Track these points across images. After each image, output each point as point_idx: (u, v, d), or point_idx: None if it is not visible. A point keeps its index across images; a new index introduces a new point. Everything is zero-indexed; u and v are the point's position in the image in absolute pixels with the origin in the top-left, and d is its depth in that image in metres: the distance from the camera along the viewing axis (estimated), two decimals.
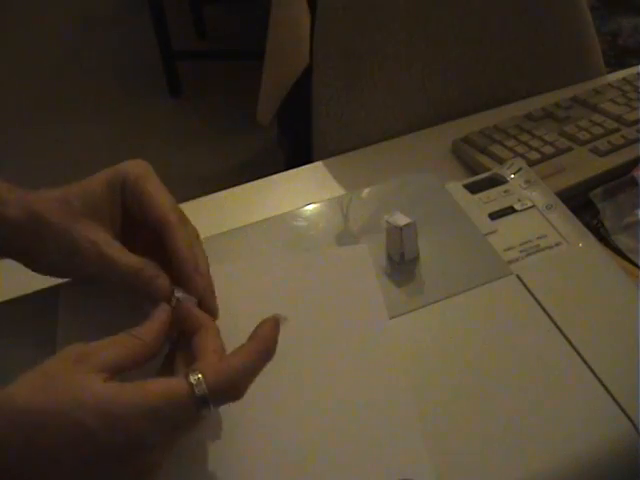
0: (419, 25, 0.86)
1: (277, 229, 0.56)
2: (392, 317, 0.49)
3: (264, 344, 0.39)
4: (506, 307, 0.50)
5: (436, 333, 0.48)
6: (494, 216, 0.56)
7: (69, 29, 2.76)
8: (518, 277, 0.51)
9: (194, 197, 0.72)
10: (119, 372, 0.38)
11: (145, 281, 0.44)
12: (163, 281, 0.44)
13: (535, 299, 0.49)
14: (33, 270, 0.48)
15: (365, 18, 0.83)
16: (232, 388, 0.37)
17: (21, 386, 0.36)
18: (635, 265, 0.60)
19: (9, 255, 0.48)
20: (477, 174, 0.63)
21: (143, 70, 2.47)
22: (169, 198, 0.46)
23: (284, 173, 0.79)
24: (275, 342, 0.39)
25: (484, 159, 0.75)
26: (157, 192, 0.46)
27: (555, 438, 0.42)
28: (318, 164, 0.80)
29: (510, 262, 0.52)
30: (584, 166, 0.73)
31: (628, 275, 0.53)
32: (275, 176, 0.77)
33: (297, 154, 1.07)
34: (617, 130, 0.77)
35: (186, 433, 0.38)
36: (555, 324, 0.48)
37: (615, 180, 0.68)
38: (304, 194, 0.73)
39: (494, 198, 0.58)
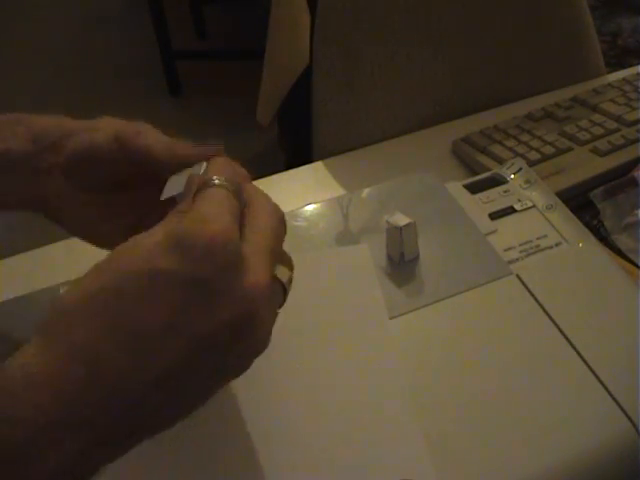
0: (419, 25, 0.86)
1: None
2: (392, 317, 0.49)
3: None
4: (506, 307, 0.50)
5: (436, 333, 0.48)
6: (494, 216, 0.56)
7: (69, 29, 2.76)
8: (518, 277, 0.51)
9: None
10: None
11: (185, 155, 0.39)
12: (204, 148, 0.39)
13: (535, 299, 0.49)
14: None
15: (365, 18, 0.83)
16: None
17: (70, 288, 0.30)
18: (635, 265, 0.60)
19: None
20: (477, 174, 0.63)
21: (143, 70, 2.47)
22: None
23: (284, 173, 0.79)
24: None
25: (484, 159, 0.75)
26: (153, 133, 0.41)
27: (555, 438, 0.42)
28: (318, 164, 0.80)
29: (510, 262, 0.52)
30: (584, 166, 0.73)
31: (628, 275, 0.53)
32: (275, 176, 0.77)
33: (297, 154, 1.07)
34: (617, 130, 0.77)
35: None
36: (555, 324, 0.48)
37: (615, 180, 0.68)
38: (304, 194, 0.73)
39: (494, 198, 0.58)
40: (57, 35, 2.72)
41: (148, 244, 0.30)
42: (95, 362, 0.28)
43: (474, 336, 0.48)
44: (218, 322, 0.29)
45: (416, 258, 0.52)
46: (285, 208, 0.58)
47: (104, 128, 0.41)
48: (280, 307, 0.35)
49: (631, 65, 0.95)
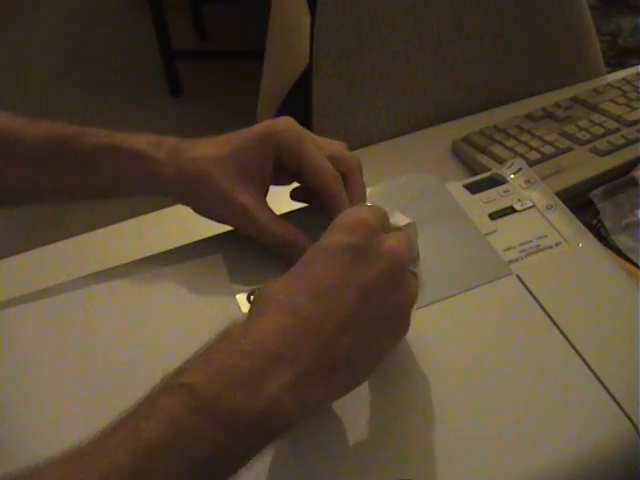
0: (419, 25, 0.86)
1: None
2: None
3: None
4: (506, 307, 0.50)
5: (436, 333, 0.48)
6: (494, 216, 0.56)
7: (69, 29, 2.77)
8: (518, 277, 0.51)
9: None
10: None
11: (293, 251, 0.48)
12: (304, 243, 0.49)
13: (535, 299, 0.49)
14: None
15: (365, 18, 0.84)
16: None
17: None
18: (635, 265, 0.60)
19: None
20: (477, 174, 0.63)
21: (143, 70, 2.47)
22: (326, 163, 0.50)
23: None
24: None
25: (484, 159, 0.75)
26: (316, 158, 0.50)
27: (555, 438, 0.42)
28: None
29: (510, 262, 0.52)
30: (584, 166, 0.73)
31: (628, 275, 0.53)
32: None
33: None
34: (617, 130, 0.77)
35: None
36: (555, 324, 0.48)
37: (615, 180, 0.68)
38: None
39: (494, 198, 0.58)
40: (57, 35, 2.72)
41: (324, 235, 0.40)
42: (297, 311, 0.36)
43: (474, 336, 0.48)
44: (375, 272, 0.38)
45: (416, 258, 0.53)
46: (285, 208, 0.58)
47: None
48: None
49: (631, 65, 0.95)
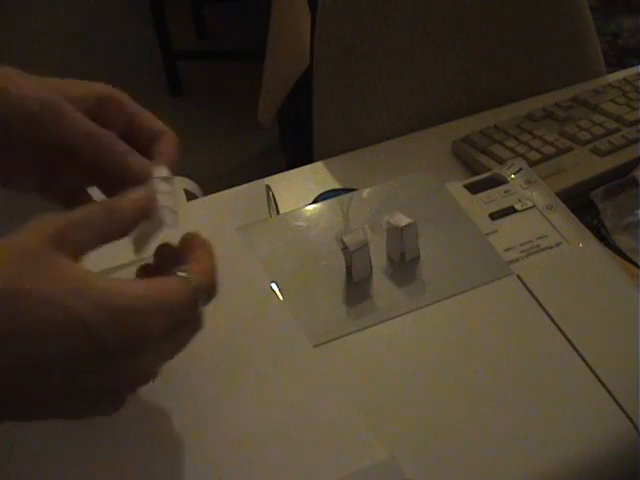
0: (419, 25, 0.86)
1: (278, 229, 0.56)
2: (392, 317, 0.49)
3: (208, 247, 0.40)
4: (506, 307, 0.50)
5: (436, 333, 0.48)
6: (494, 216, 0.56)
7: (69, 29, 2.77)
8: (518, 277, 0.51)
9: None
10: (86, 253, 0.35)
11: (117, 152, 0.41)
12: (138, 158, 0.42)
13: (535, 299, 0.49)
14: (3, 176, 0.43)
15: (365, 18, 0.84)
16: (213, 285, 0.38)
17: None
18: (635, 265, 0.60)
19: None
20: (477, 174, 0.63)
21: (143, 70, 2.47)
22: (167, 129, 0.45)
23: (284, 173, 0.79)
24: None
25: (484, 159, 0.75)
26: (154, 119, 0.45)
27: (555, 438, 0.42)
28: (318, 164, 0.80)
29: (510, 262, 0.52)
30: (584, 166, 0.73)
31: (628, 275, 0.53)
32: (275, 176, 0.77)
33: (298, 154, 1.07)
34: (617, 130, 0.77)
35: (183, 337, 0.37)
36: (555, 324, 0.48)
37: (616, 180, 0.68)
38: (304, 194, 0.73)
39: (494, 198, 0.58)
40: (57, 35, 2.72)
41: (96, 286, 0.33)
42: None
43: (474, 336, 0.48)
44: (106, 379, 0.34)
45: (416, 258, 0.53)
46: (286, 208, 0.58)
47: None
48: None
49: (631, 65, 0.95)
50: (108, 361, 0.33)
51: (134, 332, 0.33)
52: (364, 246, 0.50)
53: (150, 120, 0.44)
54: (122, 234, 0.38)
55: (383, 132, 0.86)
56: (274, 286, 0.50)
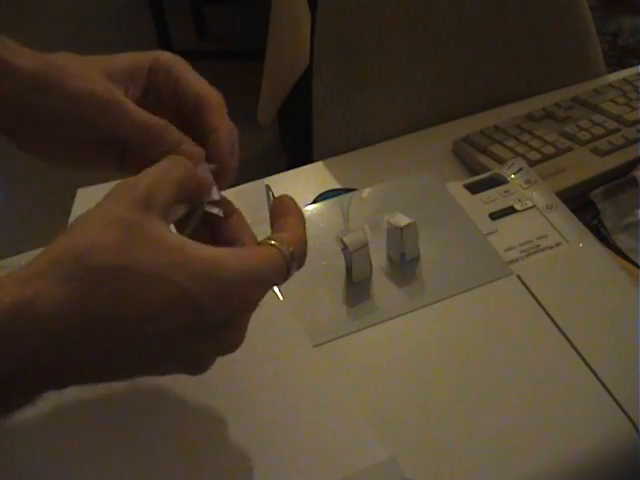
0: (419, 25, 0.86)
1: None
2: (392, 317, 0.49)
3: (299, 213, 0.40)
4: (506, 307, 0.50)
5: (436, 333, 0.48)
6: (494, 216, 0.56)
7: (69, 29, 2.76)
8: (518, 277, 0.51)
9: None
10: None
11: (170, 142, 0.40)
12: (194, 147, 0.40)
13: (535, 299, 0.49)
14: (24, 146, 0.43)
15: (365, 18, 0.83)
16: (303, 253, 0.38)
17: (91, 240, 0.31)
18: (635, 265, 0.60)
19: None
20: (477, 174, 0.63)
21: None
22: (210, 87, 0.43)
23: (284, 173, 0.79)
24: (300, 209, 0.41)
25: (484, 159, 0.75)
26: (197, 79, 0.43)
27: (555, 438, 0.42)
28: (319, 164, 0.80)
29: (510, 262, 0.53)
30: (584, 166, 0.73)
31: (628, 275, 0.53)
32: (275, 176, 0.77)
33: (298, 154, 1.07)
34: (617, 130, 0.77)
35: None
36: (555, 324, 0.48)
37: (615, 180, 0.68)
38: (304, 194, 0.73)
39: (494, 198, 0.58)
40: (57, 35, 2.72)
41: (194, 256, 0.32)
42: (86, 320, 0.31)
43: (474, 336, 0.48)
44: (197, 352, 0.35)
45: (416, 258, 0.53)
46: None
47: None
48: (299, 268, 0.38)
49: (631, 65, 0.95)
50: (210, 332, 0.34)
51: (236, 304, 0.34)
52: (364, 246, 0.50)
53: (194, 84, 0.42)
54: (199, 194, 0.38)
55: (383, 132, 0.86)
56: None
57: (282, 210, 0.40)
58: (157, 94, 0.43)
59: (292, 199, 0.41)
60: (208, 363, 0.37)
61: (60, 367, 0.31)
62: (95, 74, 0.41)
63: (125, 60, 0.44)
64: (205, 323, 0.33)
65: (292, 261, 0.36)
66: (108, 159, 0.43)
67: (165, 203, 0.34)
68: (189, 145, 0.40)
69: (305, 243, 0.38)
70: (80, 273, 0.31)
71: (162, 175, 0.35)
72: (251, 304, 0.35)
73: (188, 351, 0.34)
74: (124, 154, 0.42)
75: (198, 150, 0.40)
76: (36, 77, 0.41)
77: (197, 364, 0.37)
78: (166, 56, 0.43)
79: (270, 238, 0.37)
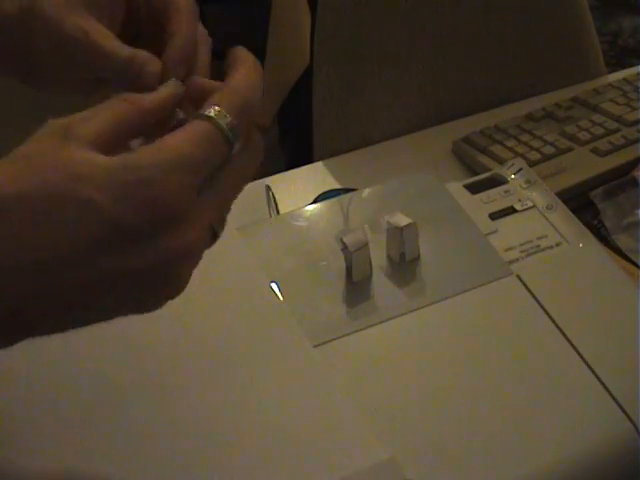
0: (419, 25, 0.86)
1: (278, 229, 0.56)
2: (392, 317, 0.49)
3: (249, 58, 0.36)
4: (506, 307, 0.50)
5: (436, 333, 0.48)
6: (494, 216, 0.56)
7: None
8: (518, 277, 0.51)
9: None
10: (113, 144, 0.31)
11: (137, 70, 0.37)
12: (150, 68, 0.37)
13: (535, 299, 0.49)
14: (20, 78, 0.43)
15: (365, 18, 0.83)
16: (249, 106, 0.34)
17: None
18: (635, 265, 0.60)
19: None
20: (477, 174, 0.63)
21: None
22: None
23: (284, 173, 0.79)
24: (253, 57, 0.36)
25: (484, 159, 0.75)
26: None
27: (555, 438, 0.42)
28: (318, 164, 0.80)
29: (510, 262, 0.52)
30: (584, 166, 0.73)
31: (628, 275, 0.53)
32: (275, 176, 0.77)
33: (298, 154, 1.07)
34: (617, 130, 0.77)
35: (235, 177, 0.33)
36: (555, 324, 0.48)
37: (615, 180, 0.69)
38: (304, 194, 0.73)
39: (494, 198, 0.58)
40: None
41: (100, 165, 0.29)
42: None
43: (474, 336, 0.48)
44: (130, 269, 0.30)
45: (416, 258, 0.53)
46: (285, 208, 0.58)
47: None
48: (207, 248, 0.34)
49: (631, 65, 0.95)
50: (144, 241, 0.29)
51: (157, 204, 0.29)
52: (364, 246, 0.50)
53: None
54: (143, 128, 0.33)
55: (383, 132, 0.86)
56: (274, 286, 0.50)
57: (230, 62, 0.35)
58: (135, 9, 0.41)
59: (244, 49, 0.36)
60: (149, 296, 0.32)
61: None
62: (73, 13, 0.40)
63: None
64: (130, 233, 0.29)
65: (233, 131, 0.32)
66: (107, 92, 0.40)
67: (90, 134, 0.30)
68: (149, 66, 0.37)
69: (252, 96, 0.34)
70: None
71: (90, 112, 0.32)
72: (181, 197, 0.30)
73: (129, 267, 0.30)
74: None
75: (155, 70, 0.37)
76: (19, 18, 0.40)
77: (135, 296, 0.32)
78: None
79: (209, 104, 0.32)
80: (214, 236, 0.34)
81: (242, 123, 0.33)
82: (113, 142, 0.31)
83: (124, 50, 0.39)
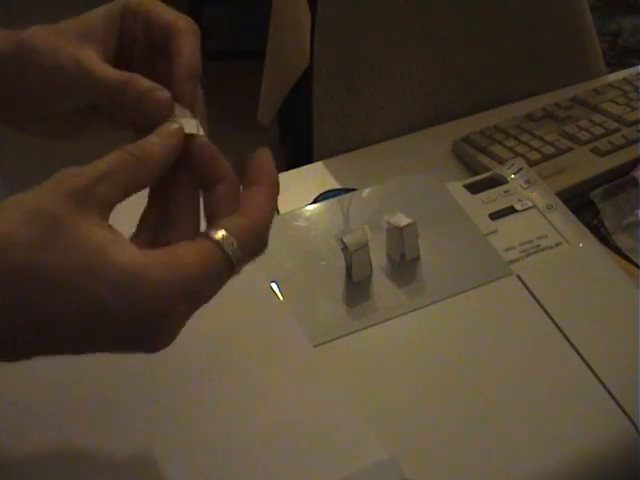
0: (419, 25, 0.86)
1: (277, 229, 0.56)
2: (392, 317, 0.49)
3: (271, 180, 0.36)
4: (506, 307, 0.50)
5: (436, 333, 0.48)
6: (494, 216, 0.56)
7: None
8: (518, 277, 0.51)
9: None
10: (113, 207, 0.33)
11: (136, 94, 0.38)
12: (160, 93, 0.38)
13: (535, 299, 0.49)
14: (13, 123, 0.43)
15: (365, 18, 0.83)
16: (260, 242, 0.35)
17: (7, 232, 0.30)
18: (635, 265, 0.60)
19: None
20: (477, 174, 0.63)
21: None
22: (181, 15, 0.41)
23: (284, 173, 0.79)
24: (276, 172, 0.36)
25: (484, 159, 0.75)
26: (166, 10, 0.41)
27: (555, 438, 0.42)
28: (318, 164, 0.80)
29: (510, 262, 0.52)
30: (584, 166, 0.73)
31: (628, 275, 0.53)
32: None
33: (298, 154, 1.07)
34: (617, 130, 0.77)
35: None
36: (555, 324, 0.48)
37: (615, 180, 0.69)
38: (304, 194, 0.73)
39: (494, 198, 0.58)
40: None
41: (115, 267, 0.30)
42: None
43: (474, 336, 0.48)
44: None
45: (416, 258, 0.53)
46: (285, 208, 0.58)
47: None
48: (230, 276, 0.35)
49: (631, 65, 0.95)
50: (128, 343, 0.32)
51: (155, 317, 0.31)
52: (364, 246, 0.50)
53: (163, 14, 0.41)
54: (153, 179, 0.34)
55: (383, 132, 0.86)
56: (274, 286, 0.50)
57: (253, 175, 0.36)
58: (130, 38, 0.42)
59: (269, 156, 0.37)
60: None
61: None
62: (64, 44, 0.41)
63: (96, 15, 0.42)
64: (121, 334, 0.32)
65: (238, 256, 0.33)
66: (100, 122, 0.43)
67: (107, 200, 0.32)
68: (158, 91, 0.38)
69: (264, 226, 0.35)
70: None
71: (109, 170, 0.32)
72: (177, 316, 0.32)
73: (105, 346, 0.33)
74: (111, 114, 0.42)
75: (166, 96, 0.38)
76: (12, 56, 0.41)
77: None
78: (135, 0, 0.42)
79: (217, 226, 0.33)
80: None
81: (250, 245, 0.34)
82: (114, 205, 0.33)
83: (119, 73, 0.39)
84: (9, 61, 0.41)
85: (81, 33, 0.42)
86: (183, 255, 0.32)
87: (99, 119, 0.43)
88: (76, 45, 0.41)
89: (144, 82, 0.38)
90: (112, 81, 0.39)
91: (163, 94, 0.38)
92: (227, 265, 0.33)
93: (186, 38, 0.40)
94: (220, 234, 0.33)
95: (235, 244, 0.33)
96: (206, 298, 0.33)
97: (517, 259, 0.53)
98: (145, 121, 0.37)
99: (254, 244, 0.34)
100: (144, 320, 0.31)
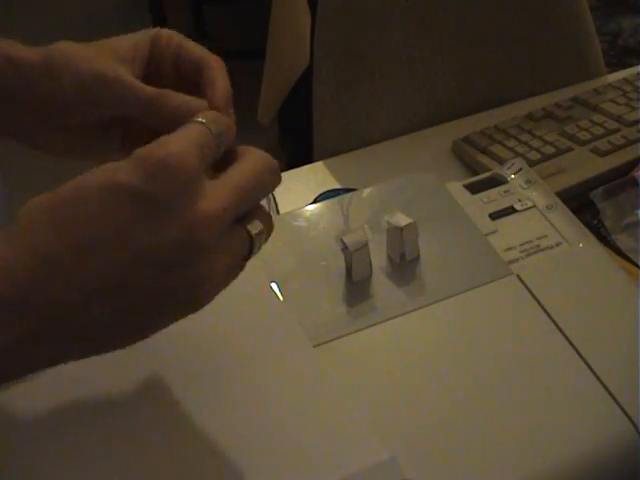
0: (419, 25, 0.86)
1: (277, 229, 0.56)
2: (392, 317, 0.49)
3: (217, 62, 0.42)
4: (506, 307, 0.50)
5: (436, 333, 0.48)
6: (494, 216, 0.56)
7: (69, 29, 2.76)
8: (518, 277, 0.51)
9: None
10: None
11: (175, 103, 0.41)
12: (201, 101, 0.41)
13: (535, 299, 0.49)
14: (30, 138, 0.45)
15: (365, 18, 0.83)
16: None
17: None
18: (635, 265, 0.60)
19: (12, 121, 0.44)
20: (477, 174, 0.63)
21: None
22: (210, 52, 0.44)
23: (285, 173, 0.78)
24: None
25: (484, 159, 0.75)
26: (197, 46, 0.44)
27: (555, 438, 0.42)
28: (318, 164, 0.80)
29: (510, 262, 0.52)
30: (584, 166, 0.73)
31: (628, 275, 0.53)
32: None
33: (298, 154, 1.07)
34: (617, 130, 0.77)
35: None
36: (555, 324, 0.48)
37: (615, 180, 0.69)
38: (304, 194, 0.73)
39: (494, 198, 0.58)
40: (57, 35, 2.72)
41: (114, 163, 0.32)
42: (47, 258, 0.31)
43: (474, 336, 0.48)
44: (162, 240, 0.32)
45: (416, 258, 0.53)
46: (285, 208, 0.58)
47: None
48: (246, 260, 0.37)
49: (631, 65, 0.95)
50: (169, 210, 0.32)
51: (173, 179, 0.32)
52: (364, 246, 0.50)
53: (195, 50, 0.44)
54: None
55: (383, 132, 0.86)
56: (274, 286, 0.50)
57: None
58: (159, 67, 0.44)
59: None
60: (195, 284, 0.34)
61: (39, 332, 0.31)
62: (100, 56, 0.43)
63: (126, 40, 0.45)
64: (154, 205, 0.32)
65: (218, 135, 0.36)
66: (111, 142, 0.45)
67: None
68: (193, 100, 0.41)
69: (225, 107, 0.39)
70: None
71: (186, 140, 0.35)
72: (194, 168, 0.33)
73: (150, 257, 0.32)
74: (125, 137, 0.45)
75: (204, 103, 0.41)
76: (44, 65, 0.42)
77: (181, 283, 0.33)
78: (166, 30, 0.45)
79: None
80: (251, 242, 0.36)
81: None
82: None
83: (145, 88, 0.42)
84: (40, 71, 0.42)
85: (111, 54, 0.43)
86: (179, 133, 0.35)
87: (113, 136, 0.45)
88: (109, 60, 0.43)
89: (181, 95, 0.41)
90: (149, 92, 0.41)
91: (204, 102, 0.41)
92: (211, 137, 0.36)
93: (219, 70, 0.43)
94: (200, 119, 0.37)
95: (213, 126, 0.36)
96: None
97: (517, 259, 0.53)
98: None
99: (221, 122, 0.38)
100: (163, 178, 0.32)
